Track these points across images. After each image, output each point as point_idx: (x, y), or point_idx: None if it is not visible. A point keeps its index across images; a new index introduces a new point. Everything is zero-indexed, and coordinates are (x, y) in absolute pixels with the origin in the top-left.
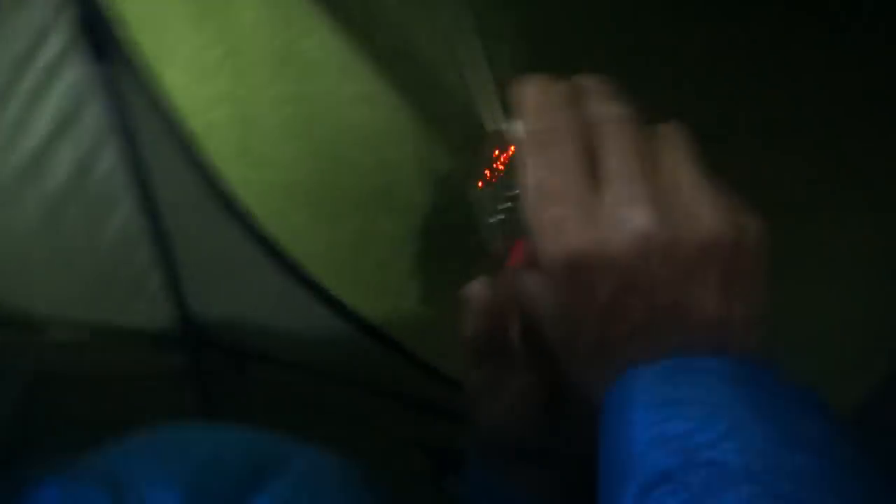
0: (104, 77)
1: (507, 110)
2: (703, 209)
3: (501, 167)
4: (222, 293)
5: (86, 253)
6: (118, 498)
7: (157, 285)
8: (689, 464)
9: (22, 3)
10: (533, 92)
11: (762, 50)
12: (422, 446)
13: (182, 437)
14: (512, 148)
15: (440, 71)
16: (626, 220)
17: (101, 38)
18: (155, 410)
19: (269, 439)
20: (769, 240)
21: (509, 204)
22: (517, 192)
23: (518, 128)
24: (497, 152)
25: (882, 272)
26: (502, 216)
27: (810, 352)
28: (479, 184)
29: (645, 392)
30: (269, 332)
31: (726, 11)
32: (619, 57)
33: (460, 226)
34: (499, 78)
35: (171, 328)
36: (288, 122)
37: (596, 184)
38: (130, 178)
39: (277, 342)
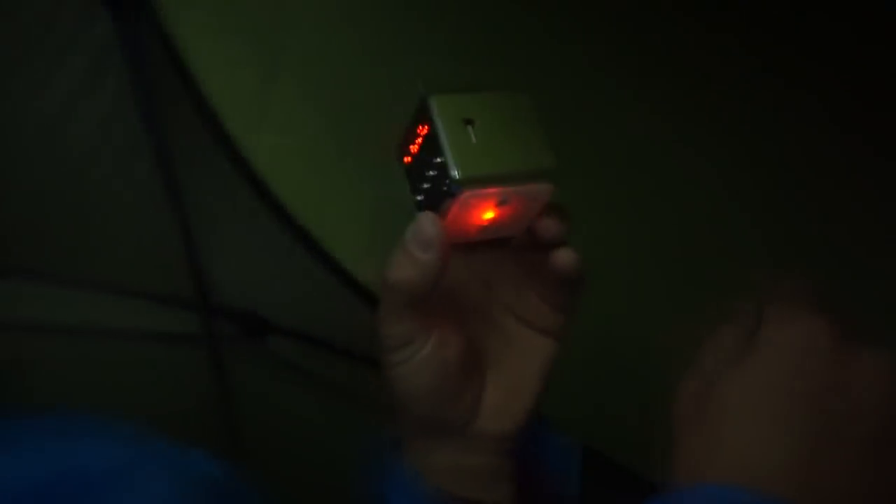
0: (125, 34)
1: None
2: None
3: (420, 141)
4: (233, 259)
5: (104, 212)
6: None
7: (171, 248)
8: None
9: None
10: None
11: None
12: None
13: None
14: (426, 125)
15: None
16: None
17: None
18: (166, 372)
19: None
20: None
21: (427, 182)
22: (433, 169)
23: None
24: (420, 127)
25: None
26: (422, 194)
27: None
28: (406, 159)
29: None
30: (281, 302)
31: None
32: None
33: None
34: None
35: (183, 291)
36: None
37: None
38: (149, 138)
39: (289, 314)
